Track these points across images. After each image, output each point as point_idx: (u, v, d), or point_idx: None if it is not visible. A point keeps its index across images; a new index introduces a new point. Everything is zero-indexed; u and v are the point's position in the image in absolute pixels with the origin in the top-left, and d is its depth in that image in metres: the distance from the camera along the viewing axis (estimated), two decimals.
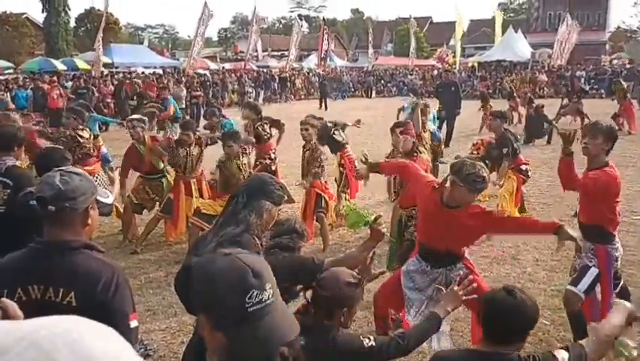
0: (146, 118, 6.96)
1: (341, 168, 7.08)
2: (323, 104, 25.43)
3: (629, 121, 15.14)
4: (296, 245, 2.85)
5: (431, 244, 3.60)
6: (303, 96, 33.20)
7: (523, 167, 7.45)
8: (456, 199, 3.35)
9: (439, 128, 11.66)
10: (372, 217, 2.76)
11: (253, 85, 28.65)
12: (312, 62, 41.67)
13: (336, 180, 7.15)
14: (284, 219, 3.04)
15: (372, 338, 2.34)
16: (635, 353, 2.32)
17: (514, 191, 7.05)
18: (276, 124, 7.78)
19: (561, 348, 2.17)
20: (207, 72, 31.15)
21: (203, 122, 17.30)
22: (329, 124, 6.48)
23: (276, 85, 31.05)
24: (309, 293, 2.42)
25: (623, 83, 17.16)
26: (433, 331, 2.51)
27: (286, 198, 7.20)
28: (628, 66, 32.11)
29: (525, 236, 6.64)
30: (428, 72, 34.81)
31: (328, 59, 38.98)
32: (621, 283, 4.25)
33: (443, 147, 10.62)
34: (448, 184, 3.37)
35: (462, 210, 3.37)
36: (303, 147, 6.40)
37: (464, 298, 2.59)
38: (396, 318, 4.07)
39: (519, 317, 2.12)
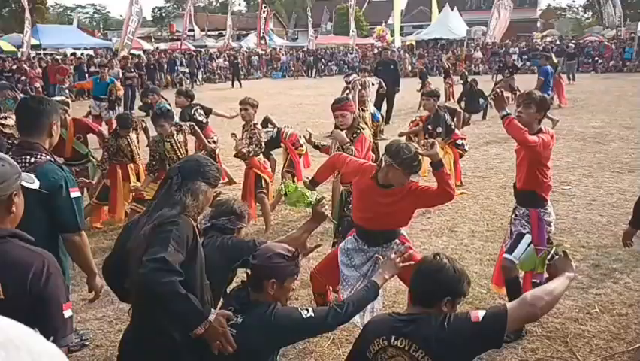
0: (69, 100, 6.66)
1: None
2: (236, 83, 26.60)
3: (559, 95, 15.77)
4: (235, 227, 2.81)
5: (367, 223, 3.64)
6: (243, 76, 32.75)
7: (460, 142, 7.66)
8: (391, 180, 3.40)
9: (379, 107, 11.77)
10: (315, 198, 2.75)
11: (188, 65, 27.90)
12: (251, 41, 41.10)
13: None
14: (222, 200, 2.99)
15: (310, 309, 2.36)
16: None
17: (451, 166, 7.23)
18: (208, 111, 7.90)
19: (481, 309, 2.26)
20: (142, 53, 30.16)
21: (138, 104, 16.83)
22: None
23: (216, 65, 30.46)
24: None
25: (554, 58, 17.78)
26: (371, 298, 2.55)
27: (228, 180, 7.09)
28: (558, 42, 33.36)
29: (459, 209, 6.87)
30: (369, 51, 35.00)
31: (267, 38, 38.56)
32: (552, 249, 4.44)
33: (383, 125, 10.74)
34: (383, 165, 3.40)
35: (396, 189, 3.42)
36: (243, 127, 6.31)
37: (401, 265, 2.65)
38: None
39: (438, 280, 2.20)
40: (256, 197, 6.23)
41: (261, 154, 6.31)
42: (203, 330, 2.13)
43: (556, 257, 2.46)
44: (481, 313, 2.18)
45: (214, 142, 7.38)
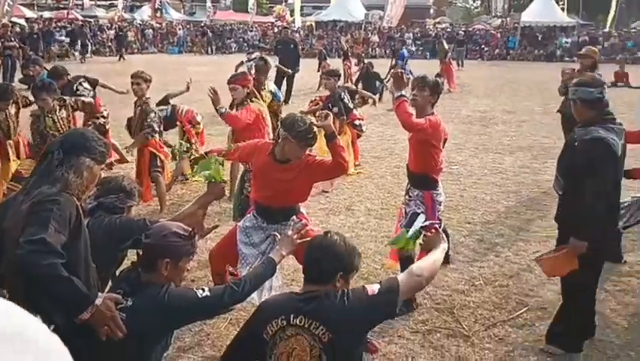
0: None
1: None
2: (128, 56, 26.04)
3: (449, 80, 16.56)
4: (125, 205, 2.67)
5: (266, 200, 3.62)
6: (136, 50, 31.24)
7: (357, 122, 7.81)
8: (287, 154, 3.39)
9: (279, 87, 11.71)
10: (222, 176, 2.67)
11: (78, 36, 26.13)
12: (145, 13, 39.17)
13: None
14: (110, 178, 2.82)
15: (206, 288, 2.29)
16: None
17: (349, 145, 7.37)
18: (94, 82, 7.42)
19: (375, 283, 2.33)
20: (23, 21, 27.82)
21: (19, 76, 15.51)
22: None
23: (106, 36, 28.75)
24: None
25: (445, 44, 18.61)
26: (268, 275, 2.53)
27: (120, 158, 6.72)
28: (449, 30, 34.96)
29: (355, 189, 7.04)
30: (269, 29, 34.66)
31: (163, 11, 37.01)
32: (442, 226, 4.68)
33: (283, 105, 10.70)
34: (280, 140, 3.38)
35: (294, 164, 3.41)
36: (135, 102, 6.00)
37: (298, 241, 2.65)
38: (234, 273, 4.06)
39: (329, 256, 2.23)
40: (151, 176, 5.99)
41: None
42: (89, 315, 2.02)
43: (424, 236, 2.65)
44: (376, 286, 2.25)
45: (103, 117, 6.98)
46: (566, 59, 27.03)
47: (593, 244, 3.26)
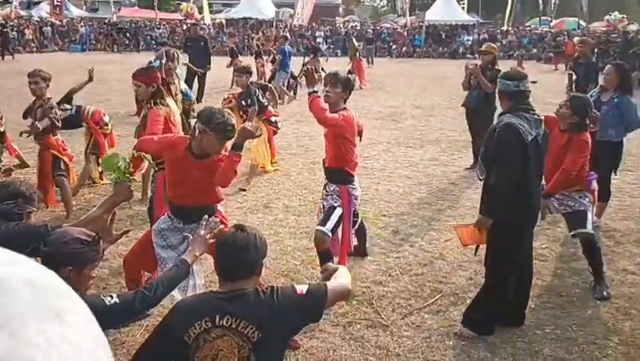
0: None
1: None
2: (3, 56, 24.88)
3: (360, 77, 16.92)
4: (23, 211, 2.50)
5: (182, 199, 3.50)
6: (35, 49, 29.41)
7: (273, 119, 7.79)
8: (206, 148, 3.30)
9: (190, 85, 11.45)
10: (129, 175, 2.54)
11: None
12: (43, 10, 36.95)
13: None
14: (6, 182, 2.63)
15: (114, 295, 2.19)
16: None
17: (266, 143, 7.34)
18: None
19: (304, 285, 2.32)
20: None
21: None
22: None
23: None
24: None
25: (355, 42, 18.97)
26: (182, 278, 2.45)
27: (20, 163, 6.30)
28: (358, 28, 35.68)
29: (273, 186, 7.03)
30: (178, 26, 33.77)
31: (63, 7, 35.10)
32: (359, 219, 4.78)
33: (196, 103, 10.48)
34: (197, 133, 3.29)
35: (212, 160, 3.34)
36: (34, 102, 5.64)
37: (211, 241, 2.58)
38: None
39: (244, 250, 2.18)
40: (55, 180, 5.66)
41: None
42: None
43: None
44: (305, 287, 2.23)
45: None
46: (468, 55, 28.37)
47: (499, 225, 3.50)
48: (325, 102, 4.14)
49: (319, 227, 4.22)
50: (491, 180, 3.50)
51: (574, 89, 5.97)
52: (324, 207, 4.38)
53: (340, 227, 4.34)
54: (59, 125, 5.63)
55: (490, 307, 3.70)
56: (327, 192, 4.38)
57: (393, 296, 4.29)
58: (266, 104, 7.52)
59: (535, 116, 3.58)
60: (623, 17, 34.51)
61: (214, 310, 2.12)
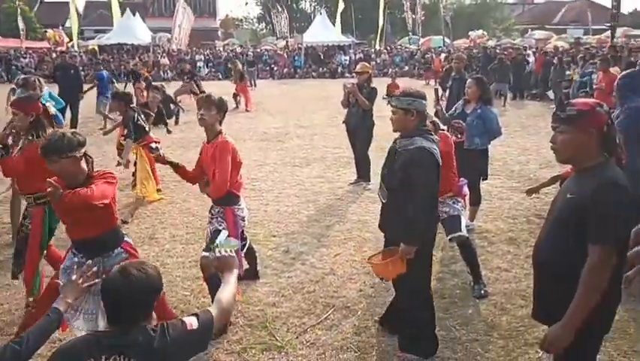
0: None
1: None
2: None
3: (246, 100, 16.94)
4: None
5: (73, 233, 3.40)
6: None
7: (154, 145, 7.54)
8: (64, 176, 3.17)
9: (63, 114, 10.80)
10: None
11: None
12: None
13: None
14: None
15: None
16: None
17: (149, 171, 7.10)
18: None
19: (191, 315, 2.25)
20: None
21: None
22: None
23: None
24: None
25: (239, 65, 18.95)
26: (54, 327, 2.29)
27: None
28: (239, 50, 35.75)
29: (158, 216, 6.79)
30: (46, 55, 31.76)
31: None
32: (247, 242, 4.74)
33: None
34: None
35: (70, 192, 3.13)
36: None
37: (84, 285, 2.46)
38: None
39: (129, 298, 2.05)
40: None
41: None
42: None
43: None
44: (194, 320, 2.17)
45: None
46: (347, 75, 29.42)
47: (422, 247, 3.48)
48: (200, 125, 4.13)
49: (204, 253, 4.14)
50: (411, 207, 3.38)
51: (440, 102, 6.34)
52: (210, 231, 4.31)
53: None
54: None
55: (423, 328, 3.69)
56: (212, 215, 4.33)
57: (287, 316, 4.29)
58: (147, 129, 7.29)
59: (435, 137, 3.62)
60: (483, 34, 37.71)
61: (100, 349, 2.00)
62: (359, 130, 7.90)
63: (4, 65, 30.46)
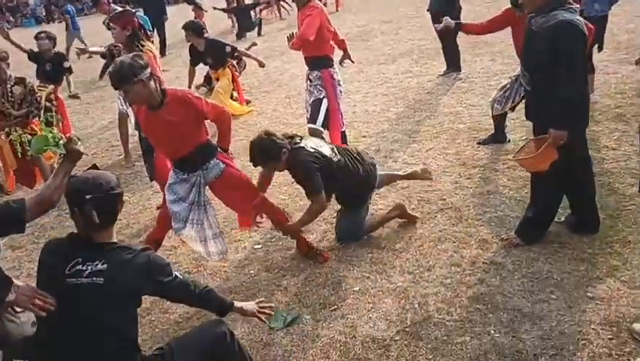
0: None
1: None
2: None
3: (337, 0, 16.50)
4: None
5: (170, 152, 3.59)
6: None
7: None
8: (144, 99, 3.28)
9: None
10: (61, 138, 2.45)
11: None
12: None
13: None
14: None
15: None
16: None
17: (230, 84, 7.33)
18: None
19: None
20: None
21: None
22: None
23: None
24: None
25: None
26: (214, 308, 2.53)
27: None
28: None
29: (250, 127, 6.95)
30: None
31: None
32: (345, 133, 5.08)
33: (161, 57, 10.23)
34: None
35: (167, 107, 3.29)
36: None
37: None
38: None
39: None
40: (31, 159, 5.60)
41: None
42: (14, 296, 1.97)
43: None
44: None
45: None
46: None
47: (573, 130, 3.19)
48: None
49: (310, 125, 4.30)
50: (563, 85, 3.05)
51: None
52: (308, 101, 4.53)
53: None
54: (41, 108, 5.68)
55: (541, 224, 3.58)
56: (310, 81, 4.55)
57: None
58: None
59: (573, 6, 3.20)
60: None
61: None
62: (445, 16, 7.42)
63: None
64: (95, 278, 2.05)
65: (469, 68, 7.73)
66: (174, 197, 3.58)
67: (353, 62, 5.27)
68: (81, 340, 2.06)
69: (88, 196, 2.09)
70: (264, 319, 2.62)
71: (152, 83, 3.23)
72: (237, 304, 2.54)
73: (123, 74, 3.13)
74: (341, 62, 5.02)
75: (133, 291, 2.14)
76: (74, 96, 9.13)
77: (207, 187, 3.65)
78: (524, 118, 3.66)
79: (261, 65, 7.51)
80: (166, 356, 2.24)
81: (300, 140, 3.74)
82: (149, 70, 3.22)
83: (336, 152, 3.80)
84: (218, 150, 3.63)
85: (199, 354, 2.28)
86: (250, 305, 2.58)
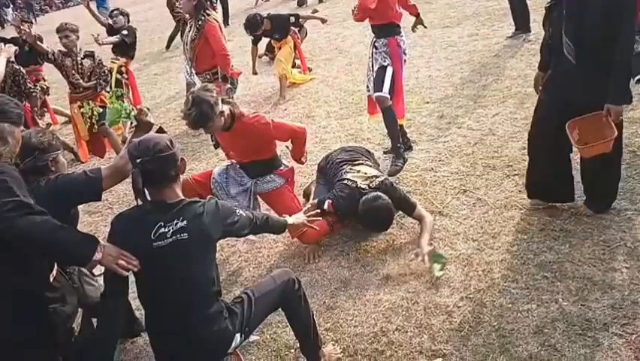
0: None
1: None
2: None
3: None
4: (47, 161, 2.48)
5: (239, 159, 3.83)
6: (60, 5, 29.46)
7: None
8: (220, 127, 3.48)
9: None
10: (132, 110, 2.55)
11: None
12: None
13: None
14: (23, 139, 2.67)
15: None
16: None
17: (293, 52, 7.40)
18: None
19: None
20: None
21: None
22: None
23: None
24: None
25: None
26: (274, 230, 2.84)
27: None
28: None
29: (312, 95, 6.96)
30: None
31: None
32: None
33: (224, 26, 10.37)
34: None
35: (237, 130, 3.50)
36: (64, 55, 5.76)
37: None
38: None
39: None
40: (100, 130, 5.87)
41: None
42: (101, 254, 2.05)
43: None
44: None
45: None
46: None
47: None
48: None
49: (377, 93, 4.33)
50: (618, 55, 2.81)
51: None
52: (372, 69, 4.52)
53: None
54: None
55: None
56: (376, 49, 4.51)
57: (445, 180, 4.26)
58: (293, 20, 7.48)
59: None
60: None
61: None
62: None
63: None
64: (179, 235, 2.15)
65: (540, 28, 7.35)
66: (225, 194, 3.76)
67: (425, 27, 5.13)
68: (178, 292, 2.19)
69: (138, 160, 2.16)
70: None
71: (226, 109, 3.39)
72: (289, 219, 2.89)
73: (204, 119, 3.25)
74: (413, 29, 4.89)
75: (212, 237, 2.26)
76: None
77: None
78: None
79: (323, 21, 8.12)
80: (244, 303, 2.39)
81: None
82: (220, 102, 3.32)
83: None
84: (282, 165, 3.81)
85: (272, 299, 2.48)
86: (300, 217, 2.96)
